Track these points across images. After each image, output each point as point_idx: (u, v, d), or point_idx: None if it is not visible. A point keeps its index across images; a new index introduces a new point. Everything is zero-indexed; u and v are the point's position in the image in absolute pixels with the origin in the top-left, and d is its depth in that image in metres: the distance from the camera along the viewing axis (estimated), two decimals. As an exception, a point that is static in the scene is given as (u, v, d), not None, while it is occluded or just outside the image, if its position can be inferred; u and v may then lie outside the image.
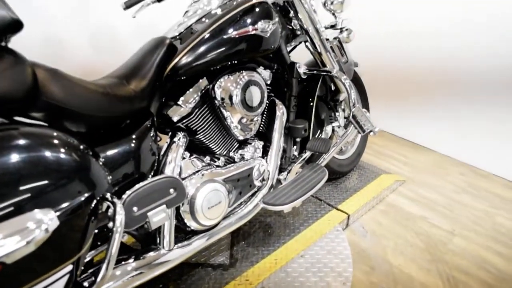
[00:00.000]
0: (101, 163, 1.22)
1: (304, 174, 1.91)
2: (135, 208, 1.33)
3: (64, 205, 1.04)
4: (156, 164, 1.51)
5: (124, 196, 1.32)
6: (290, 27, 2.07)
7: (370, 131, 1.93)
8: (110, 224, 1.22)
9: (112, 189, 1.27)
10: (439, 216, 2.35)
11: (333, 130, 2.33)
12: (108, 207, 1.23)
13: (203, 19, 1.70)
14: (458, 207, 2.44)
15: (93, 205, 1.13)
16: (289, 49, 2.14)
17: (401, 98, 3.28)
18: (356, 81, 2.52)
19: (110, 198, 1.23)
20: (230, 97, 1.66)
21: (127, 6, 1.96)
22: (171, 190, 1.43)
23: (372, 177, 2.63)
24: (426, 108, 3.18)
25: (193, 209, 1.55)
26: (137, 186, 1.36)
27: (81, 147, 1.16)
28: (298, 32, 2.08)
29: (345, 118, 2.34)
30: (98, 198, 1.15)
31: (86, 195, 1.09)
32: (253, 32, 1.69)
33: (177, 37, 1.69)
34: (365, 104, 2.62)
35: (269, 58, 1.96)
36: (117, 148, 1.36)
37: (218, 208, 1.62)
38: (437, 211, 2.39)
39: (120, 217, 1.21)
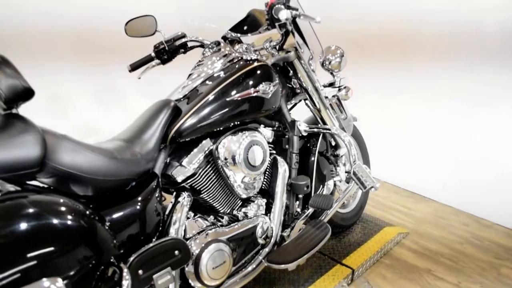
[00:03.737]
0: (107, 227, 1.24)
1: (308, 231, 1.93)
2: (140, 271, 1.34)
3: (72, 272, 1.06)
4: (161, 225, 1.53)
5: (130, 259, 1.33)
6: (290, 86, 2.14)
7: (372, 187, 1.96)
8: None
9: (118, 252, 1.28)
10: (444, 268, 2.33)
11: (335, 185, 2.36)
12: (115, 271, 1.24)
13: (207, 82, 1.76)
14: (463, 259, 2.43)
15: (99, 271, 1.14)
16: (289, 106, 2.21)
17: (401, 148, 3.32)
18: (356, 135, 2.57)
19: (116, 263, 1.24)
20: (233, 157, 1.70)
21: (132, 69, 2.04)
22: (176, 252, 1.45)
23: (375, 230, 2.63)
24: (426, 157, 3.21)
25: (197, 269, 1.56)
26: (143, 249, 1.37)
27: (88, 213, 1.18)
28: (298, 91, 2.15)
29: (346, 172, 2.37)
30: (105, 263, 1.16)
31: (93, 261, 1.11)
32: (255, 94, 1.75)
33: (182, 99, 1.75)
34: (365, 157, 2.66)
35: (270, 117, 2.02)
36: (123, 210, 1.38)
37: (223, 268, 1.62)
38: (441, 263, 2.38)
39: (127, 282, 1.22)
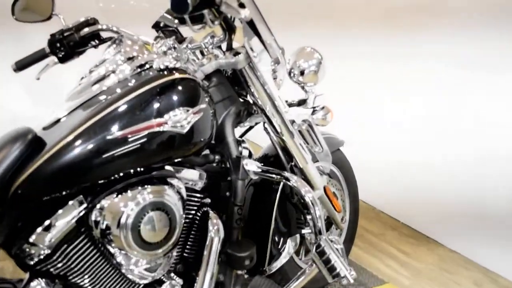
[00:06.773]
0: None
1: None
2: None
3: None
4: None
5: None
6: (245, 101, 1.48)
7: (343, 277, 1.29)
8: None
9: None
10: None
11: (303, 238, 1.70)
12: None
13: (91, 101, 1.13)
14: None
15: None
16: (243, 129, 1.57)
17: (404, 173, 2.66)
18: (341, 164, 1.91)
19: None
20: (117, 228, 1.06)
21: (18, 68, 1.46)
22: None
23: (354, 291, 1.99)
24: (434, 186, 2.54)
25: None
26: None
27: None
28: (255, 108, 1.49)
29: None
30: None
31: None
32: (159, 128, 1.10)
33: (52, 126, 1.13)
34: (352, 192, 2.00)
35: (212, 147, 1.37)
36: None
37: None
38: None
39: None
